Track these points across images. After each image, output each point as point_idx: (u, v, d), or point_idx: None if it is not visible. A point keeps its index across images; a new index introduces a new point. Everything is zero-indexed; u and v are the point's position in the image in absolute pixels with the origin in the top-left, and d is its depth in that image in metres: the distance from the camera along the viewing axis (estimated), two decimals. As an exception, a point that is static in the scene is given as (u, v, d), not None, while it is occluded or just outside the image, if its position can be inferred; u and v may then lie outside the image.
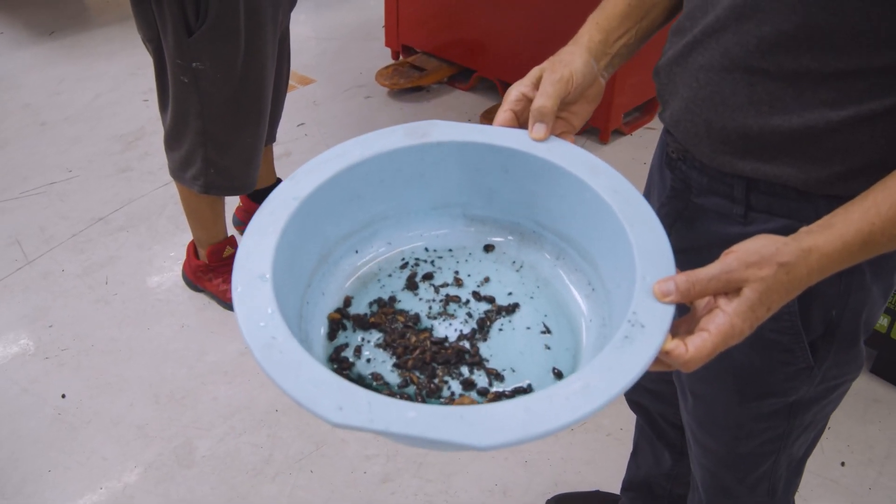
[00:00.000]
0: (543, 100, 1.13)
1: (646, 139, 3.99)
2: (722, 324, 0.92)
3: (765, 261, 0.93)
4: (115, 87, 4.50)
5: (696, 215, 1.28)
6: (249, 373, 2.69)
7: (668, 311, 0.91)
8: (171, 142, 2.57)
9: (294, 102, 4.14)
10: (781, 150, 1.15)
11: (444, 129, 1.13)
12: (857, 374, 1.37)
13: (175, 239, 3.25)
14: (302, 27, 5.19)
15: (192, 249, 2.88)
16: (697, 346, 0.91)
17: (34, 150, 3.89)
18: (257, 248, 0.96)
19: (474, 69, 4.30)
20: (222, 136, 2.49)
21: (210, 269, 2.85)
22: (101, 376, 2.66)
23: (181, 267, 3.02)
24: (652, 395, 1.78)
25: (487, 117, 3.90)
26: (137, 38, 4.48)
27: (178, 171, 2.62)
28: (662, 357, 0.91)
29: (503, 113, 1.16)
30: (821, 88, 1.09)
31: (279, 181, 3.11)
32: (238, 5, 2.33)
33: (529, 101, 1.16)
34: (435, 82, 4.36)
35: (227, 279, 2.84)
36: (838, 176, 1.08)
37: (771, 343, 1.27)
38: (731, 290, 0.94)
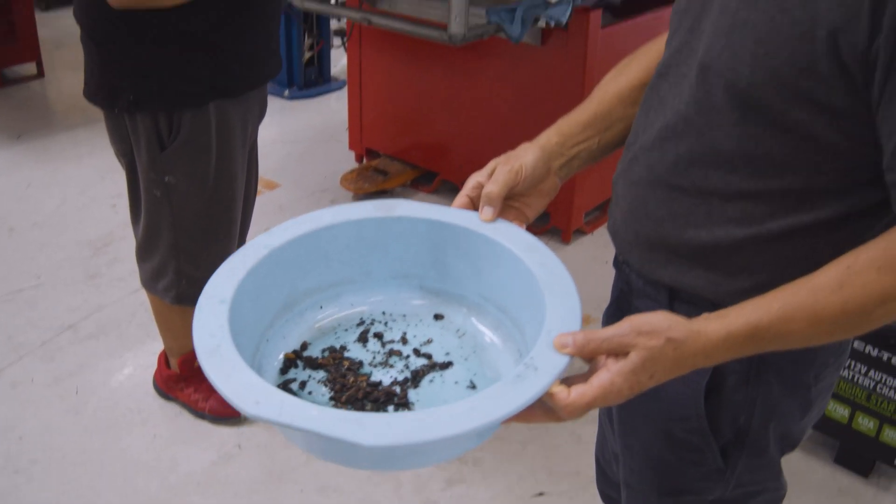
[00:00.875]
0: (493, 186, 1.27)
1: (606, 238, 4.08)
2: (603, 379, 1.02)
3: (655, 333, 1.04)
4: (82, 192, 4.56)
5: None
6: (223, 483, 2.69)
7: (562, 361, 1.02)
8: (143, 253, 2.61)
9: (261, 207, 4.17)
10: (695, 262, 1.26)
11: (407, 206, 1.31)
12: (778, 483, 1.45)
13: (145, 347, 3.26)
14: (267, 130, 5.21)
15: (164, 358, 2.90)
16: (579, 393, 1.01)
17: (1, 257, 3.91)
18: (224, 281, 1.14)
19: (437, 172, 4.40)
20: (194, 248, 2.54)
21: (182, 379, 2.87)
22: (73, 490, 2.65)
23: (152, 376, 3.03)
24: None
25: (451, 219, 3.97)
26: (105, 142, 4.54)
27: (149, 282, 2.65)
28: (546, 399, 1.01)
29: (460, 198, 1.30)
30: (727, 206, 1.21)
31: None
32: (209, 121, 2.40)
33: (482, 188, 1.28)
34: (398, 185, 4.45)
35: (199, 388, 2.86)
36: (744, 291, 1.16)
37: (682, 441, 1.37)
38: (621, 352, 1.04)
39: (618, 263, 1.46)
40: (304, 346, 1.24)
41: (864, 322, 1.08)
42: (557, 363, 1.01)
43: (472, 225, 1.26)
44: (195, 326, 1.05)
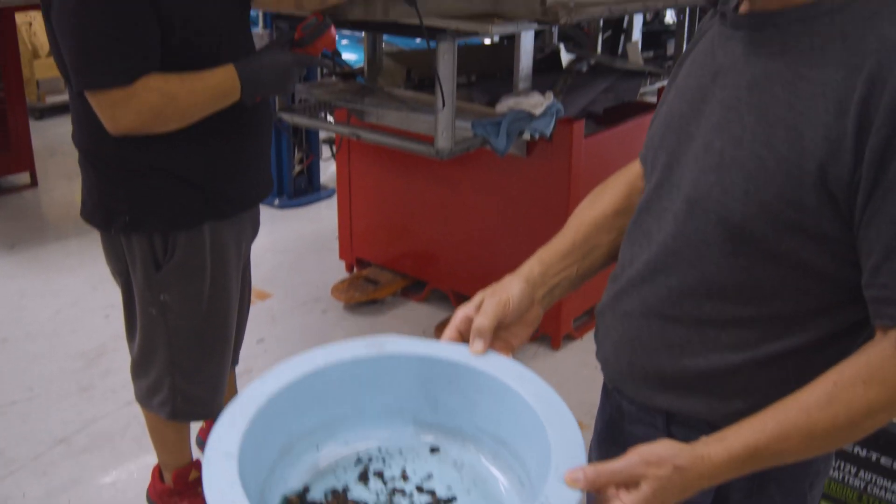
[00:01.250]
0: (482, 319, 1.31)
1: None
2: None
3: (663, 462, 1.09)
4: (75, 302, 4.60)
5: (629, 441, 1.41)
6: None
7: (575, 496, 1.05)
8: (139, 370, 2.64)
9: (253, 318, 4.21)
10: (692, 388, 1.32)
11: (398, 343, 1.32)
12: None
13: (139, 460, 3.27)
14: (258, 240, 5.26)
15: (158, 473, 2.92)
16: None
17: (-8, 370, 3.93)
18: (227, 432, 1.12)
19: (427, 281, 4.46)
20: (189, 366, 2.58)
21: (176, 493, 2.88)
22: None
23: (146, 490, 3.03)
24: None
25: (441, 329, 4.01)
26: (97, 252, 4.58)
27: (145, 398, 2.68)
28: None
29: (450, 331, 1.34)
30: (722, 334, 1.27)
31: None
32: (204, 242, 2.46)
33: (471, 321, 1.32)
34: (389, 295, 4.51)
35: (194, 502, 2.87)
36: (740, 413, 1.20)
37: None
38: (632, 483, 1.08)
39: (607, 391, 1.51)
40: (306, 489, 1.23)
41: (855, 433, 1.15)
42: (571, 499, 1.05)
43: (463, 359, 1.29)
44: (206, 482, 1.05)
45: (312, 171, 6.25)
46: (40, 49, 8.62)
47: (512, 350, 1.37)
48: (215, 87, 2.31)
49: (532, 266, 1.44)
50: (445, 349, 1.31)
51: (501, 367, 1.28)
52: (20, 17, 7.47)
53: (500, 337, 1.35)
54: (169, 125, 2.28)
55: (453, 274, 4.32)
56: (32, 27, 8.52)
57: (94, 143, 2.40)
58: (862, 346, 1.18)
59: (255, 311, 4.42)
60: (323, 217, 5.86)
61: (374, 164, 4.51)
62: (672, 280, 1.31)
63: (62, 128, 8.22)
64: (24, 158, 6.44)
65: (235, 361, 3.00)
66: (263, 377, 1.23)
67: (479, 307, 1.34)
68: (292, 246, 5.43)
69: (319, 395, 1.27)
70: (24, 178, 6.51)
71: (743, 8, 1.29)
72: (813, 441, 1.14)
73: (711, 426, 1.24)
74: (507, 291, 1.36)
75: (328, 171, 6.55)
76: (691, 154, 1.29)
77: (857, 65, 1.12)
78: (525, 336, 1.40)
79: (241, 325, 2.87)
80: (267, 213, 5.79)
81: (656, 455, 1.10)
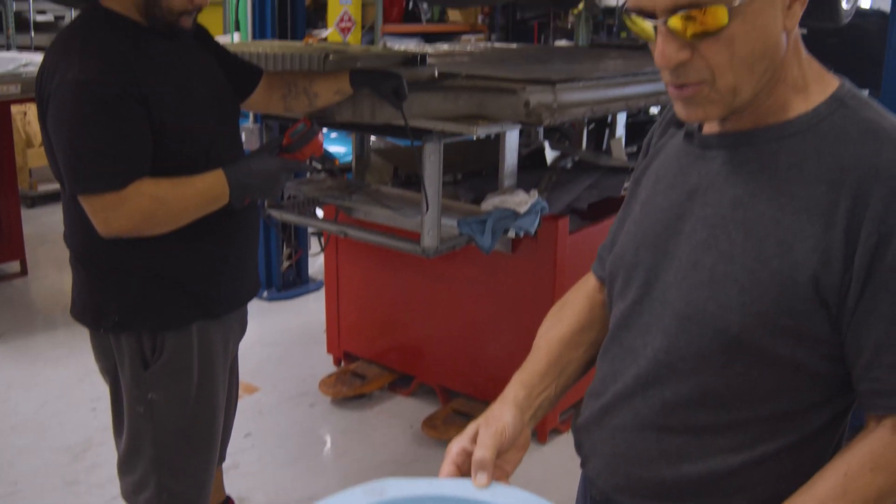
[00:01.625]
0: (483, 451, 1.31)
1: (581, 440, 4.14)
2: None
3: None
4: (62, 395, 4.60)
5: None
6: None
7: None
8: (125, 467, 2.65)
9: (241, 412, 4.21)
10: (693, 493, 1.36)
11: (398, 486, 1.25)
12: None
13: (122, 558, 3.26)
14: (245, 333, 5.36)
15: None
16: None
17: (-23, 463, 3.92)
18: None
19: (414, 375, 4.49)
20: (176, 463, 2.59)
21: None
22: None
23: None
24: None
25: (429, 424, 4.04)
26: (86, 345, 4.59)
27: (131, 496, 2.69)
28: None
29: (447, 466, 1.34)
30: (719, 438, 1.33)
31: (229, 498, 3.19)
32: (192, 342, 2.50)
33: (469, 454, 1.33)
34: (376, 389, 4.52)
35: None
36: None
37: None
38: None
39: (595, 501, 1.54)
40: None
41: None
42: None
43: (468, 493, 1.28)
44: None
45: (301, 264, 6.30)
46: (34, 138, 8.72)
47: (507, 476, 1.38)
48: (205, 191, 2.36)
49: (517, 391, 1.48)
50: (450, 486, 1.30)
51: (509, 496, 1.27)
52: (15, 107, 7.58)
53: (496, 465, 1.35)
54: (160, 228, 2.33)
55: (440, 368, 4.34)
56: (27, 116, 8.65)
57: (85, 244, 2.44)
58: (860, 436, 1.27)
59: (243, 404, 4.42)
60: (311, 310, 5.88)
61: (361, 258, 4.57)
62: (666, 392, 1.36)
63: (54, 216, 8.27)
64: (14, 247, 6.48)
65: (222, 458, 3.01)
66: None
67: (474, 439, 1.36)
68: (280, 339, 5.44)
69: None
70: (14, 266, 6.54)
71: (709, 128, 1.38)
72: None
73: None
74: (501, 420, 1.39)
75: (316, 263, 6.59)
76: (674, 271, 1.36)
77: (836, 181, 1.22)
78: (518, 460, 1.41)
79: (228, 422, 2.89)
80: (255, 306, 5.79)
81: None
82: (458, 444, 1.36)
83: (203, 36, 2.65)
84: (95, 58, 2.25)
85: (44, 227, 7.76)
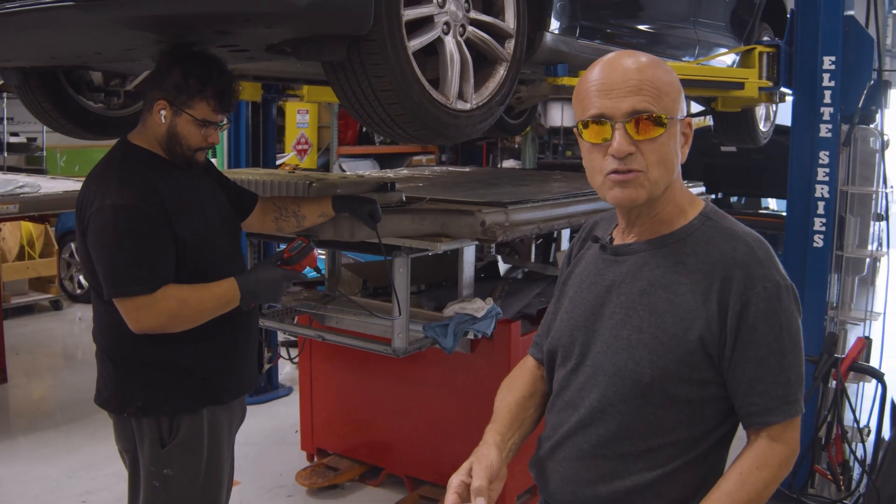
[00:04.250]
0: (479, 481, 1.85)
1: (534, 525, 4.55)
2: None
3: None
4: (53, 489, 4.97)
5: None
6: None
7: None
8: (139, 537, 3.05)
9: None
10: (622, 502, 1.88)
11: None
12: None
13: None
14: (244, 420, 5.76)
15: None
16: None
17: (-22, 551, 4.27)
18: None
19: (383, 467, 4.91)
20: (185, 532, 2.99)
21: None
22: None
23: None
24: None
25: (399, 510, 4.45)
26: (70, 443, 5.03)
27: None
28: None
29: (451, 496, 1.86)
30: (639, 461, 1.88)
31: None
32: (203, 424, 2.94)
33: (466, 485, 1.86)
34: (348, 480, 4.94)
35: None
36: None
37: None
38: None
39: None
40: None
41: (760, 502, 1.80)
42: None
43: None
44: None
45: (272, 371, 6.74)
46: (8, 254, 9.09)
47: (493, 501, 1.88)
48: (220, 295, 2.84)
49: (494, 436, 2.01)
50: None
51: None
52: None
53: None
54: (183, 326, 2.79)
55: (407, 459, 4.76)
56: (2, 233, 9.02)
57: (114, 341, 2.90)
58: (746, 447, 1.85)
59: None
60: (281, 414, 6.28)
61: (334, 362, 5.03)
62: (600, 430, 1.90)
63: (26, 328, 8.66)
64: (-5, 356, 6.85)
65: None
66: None
67: (469, 473, 1.88)
68: (255, 439, 5.82)
69: None
70: (-7, 374, 6.91)
71: (619, 240, 1.98)
72: None
73: None
74: (489, 458, 1.92)
75: (284, 370, 7.01)
76: (600, 343, 1.92)
77: (709, 270, 1.83)
78: (499, 489, 1.92)
79: (227, 497, 3.28)
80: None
81: None
82: (457, 478, 1.88)
83: (209, 166, 3.16)
84: (129, 186, 2.75)
85: (18, 338, 8.10)
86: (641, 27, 4.37)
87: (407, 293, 3.73)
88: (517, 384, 2.18)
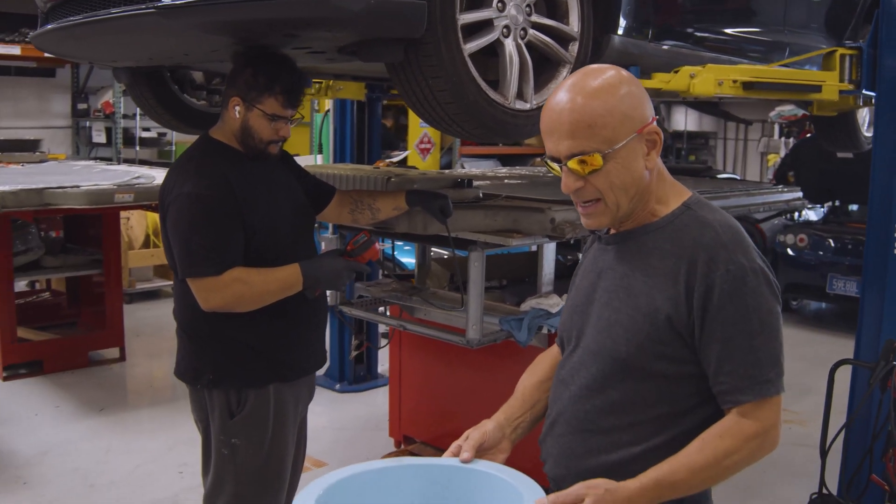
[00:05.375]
0: (469, 442, 2.05)
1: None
2: None
3: (598, 485, 1.84)
4: (153, 460, 5.29)
5: None
6: None
7: None
8: (209, 501, 3.25)
9: (306, 483, 4.86)
10: (610, 475, 1.97)
11: (412, 459, 2.05)
12: None
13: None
14: (319, 418, 6.03)
15: None
16: None
17: (81, 509, 4.59)
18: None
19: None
20: (250, 499, 3.18)
21: None
22: None
23: None
24: None
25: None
26: (174, 420, 5.34)
27: (211, 527, 3.30)
28: None
29: (448, 454, 2.05)
30: (623, 435, 2.01)
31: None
32: (269, 399, 3.14)
33: (460, 447, 2.04)
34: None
35: None
36: None
37: None
38: (579, 500, 1.82)
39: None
40: None
41: (722, 470, 1.90)
42: None
43: (456, 463, 2.01)
44: None
45: (371, 360, 7.00)
46: (135, 241, 9.56)
47: None
48: (283, 279, 3.04)
49: (499, 415, 2.20)
50: (445, 460, 2.03)
51: (485, 466, 2.00)
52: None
53: (486, 458, 2.06)
54: (247, 306, 3.01)
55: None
56: (130, 221, 9.48)
57: (189, 317, 3.14)
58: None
59: (310, 476, 5.01)
60: (378, 402, 6.49)
61: (421, 353, 5.22)
62: (587, 405, 2.05)
63: (148, 312, 9.10)
64: (116, 336, 7.32)
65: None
66: (317, 481, 1.89)
67: (466, 438, 2.07)
68: (348, 425, 6.10)
69: (357, 492, 1.91)
70: (114, 352, 7.38)
71: (611, 231, 2.11)
72: (693, 474, 1.89)
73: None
74: (484, 427, 2.12)
75: (386, 361, 7.23)
76: (591, 325, 2.07)
77: (679, 255, 1.95)
78: (501, 460, 2.10)
79: (295, 472, 3.46)
80: (328, 396, 6.53)
81: (594, 482, 1.85)
82: (455, 444, 2.06)
83: (287, 159, 3.37)
84: (205, 177, 2.98)
85: (139, 321, 8.59)
86: (722, 30, 4.40)
87: (481, 285, 3.86)
88: (538, 368, 2.34)
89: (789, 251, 9.43)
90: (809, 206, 10.45)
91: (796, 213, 10.32)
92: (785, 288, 9.37)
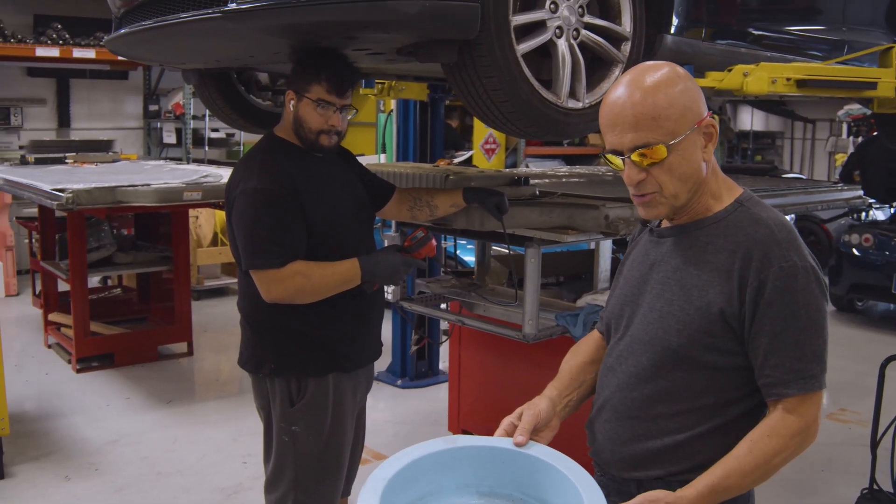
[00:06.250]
0: (523, 424, 2.06)
1: None
2: None
3: (658, 498, 1.89)
4: (219, 450, 5.45)
5: None
6: None
7: None
8: (270, 486, 3.38)
9: (364, 475, 4.96)
10: (654, 462, 2.09)
11: (465, 439, 2.03)
12: None
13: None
14: (380, 413, 6.19)
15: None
16: None
17: (148, 495, 4.78)
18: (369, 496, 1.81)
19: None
20: (310, 484, 3.30)
21: None
22: None
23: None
24: None
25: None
26: (239, 412, 5.47)
27: (272, 510, 3.42)
28: None
29: (501, 430, 2.09)
30: (670, 423, 2.08)
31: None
32: (328, 388, 3.25)
33: (515, 426, 2.07)
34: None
35: None
36: (686, 471, 2.05)
37: None
38: None
39: (597, 477, 2.23)
40: None
41: (771, 468, 1.96)
42: None
43: (511, 446, 2.00)
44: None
45: (432, 357, 7.11)
46: (203, 239, 9.76)
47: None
48: (342, 273, 3.15)
49: (551, 391, 2.25)
50: (498, 441, 2.03)
51: (539, 450, 2.00)
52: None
53: (533, 439, 2.09)
54: (307, 298, 3.12)
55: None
56: (198, 220, 9.69)
57: (252, 308, 3.26)
58: (764, 417, 2.00)
59: (369, 469, 5.11)
60: (439, 398, 6.58)
61: (480, 349, 5.30)
62: (635, 393, 2.12)
63: (216, 308, 9.31)
64: (184, 331, 7.51)
65: (348, 492, 3.69)
66: (381, 467, 1.93)
67: (519, 416, 2.11)
68: (409, 420, 6.22)
69: (413, 476, 1.92)
70: (182, 347, 7.59)
71: (663, 224, 2.17)
72: (745, 477, 1.96)
73: (666, 483, 2.02)
74: (538, 406, 2.15)
75: (447, 359, 7.33)
76: (640, 315, 2.14)
77: (733, 250, 2.01)
78: (548, 438, 2.13)
79: (354, 460, 3.58)
80: (390, 391, 6.66)
81: (654, 495, 1.90)
82: (507, 420, 2.10)
83: (348, 156, 3.49)
84: (268, 172, 3.10)
85: (207, 317, 8.82)
86: (778, 28, 4.41)
87: (537, 281, 3.92)
88: (581, 350, 2.41)
89: (854, 251, 9.29)
90: (877, 206, 10.35)
91: (863, 213, 10.23)
92: (850, 288, 9.34)
